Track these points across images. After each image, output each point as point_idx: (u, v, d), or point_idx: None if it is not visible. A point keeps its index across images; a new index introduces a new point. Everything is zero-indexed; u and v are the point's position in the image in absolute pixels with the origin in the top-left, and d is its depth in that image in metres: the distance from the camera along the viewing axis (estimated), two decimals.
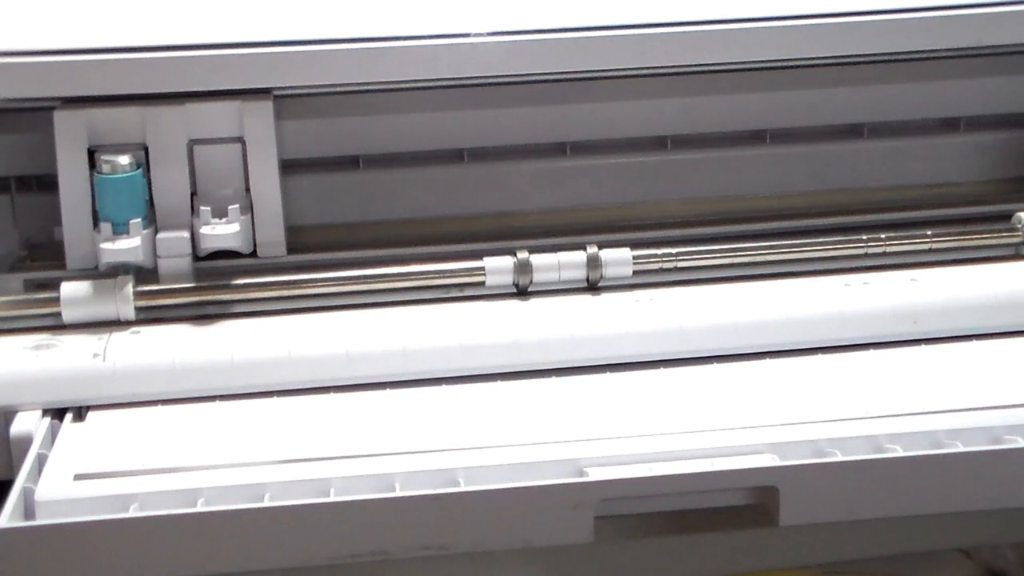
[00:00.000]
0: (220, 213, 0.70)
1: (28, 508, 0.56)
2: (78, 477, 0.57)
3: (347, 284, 0.70)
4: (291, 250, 0.73)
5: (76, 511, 0.54)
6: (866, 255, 0.74)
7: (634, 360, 0.67)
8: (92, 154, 0.70)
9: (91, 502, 0.55)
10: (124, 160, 0.69)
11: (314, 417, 0.63)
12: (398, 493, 0.56)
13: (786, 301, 0.69)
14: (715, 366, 0.67)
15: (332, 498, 0.55)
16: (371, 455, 0.59)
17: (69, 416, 0.63)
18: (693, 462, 0.57)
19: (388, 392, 0.65)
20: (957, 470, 0.57)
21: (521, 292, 0.71)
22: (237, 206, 0.71)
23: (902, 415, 0.61)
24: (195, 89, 0.70)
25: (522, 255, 0.71)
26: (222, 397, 0.65)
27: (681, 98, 0.79)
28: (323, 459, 0.58)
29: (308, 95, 0.74)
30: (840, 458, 0.57)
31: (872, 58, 0.77)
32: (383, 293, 0.71)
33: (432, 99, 0.76)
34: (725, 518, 0.59)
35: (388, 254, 0.74)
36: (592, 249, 0.71)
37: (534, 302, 0.70)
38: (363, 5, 0.76)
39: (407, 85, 0.74)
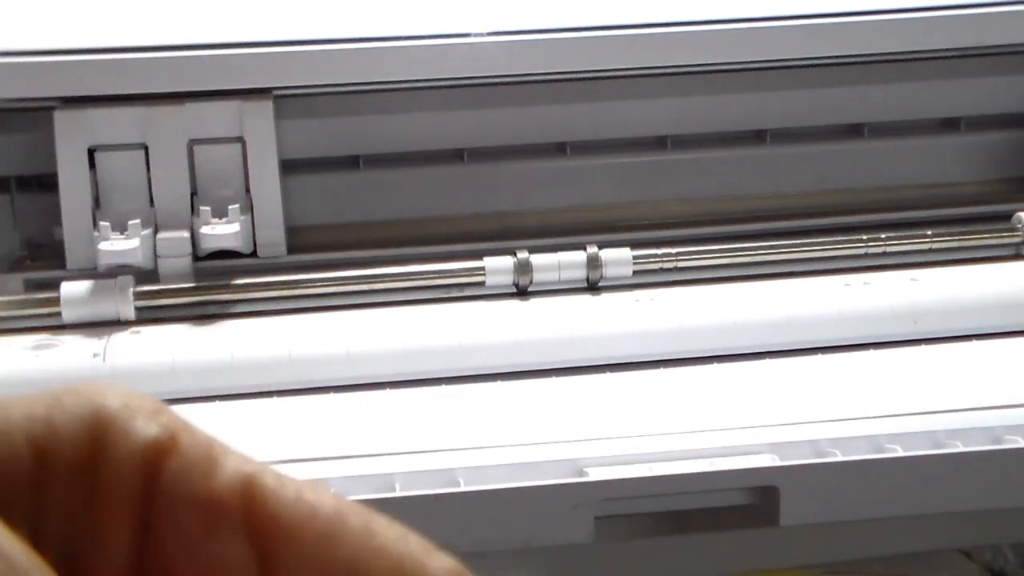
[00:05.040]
0: (220, 213, 0.71)
1: None
2: None
3: (347, 284, 0.70)
4: (291, 250, 0.73)
5: None
6: (866, 255, 0.74)
7: (634, 360, 0.67)
8: (92, 154, 0.70)
9: None
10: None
11: (314, 417, 0.63)
12: (398, 493, 0.56)
13: (786, 301, 0.69)
14: (715, 366, 0.67)
15: None
16: (371, 455, 0.59)
17: None
18: (693, 462, 0.57)
19: (388, 392, 0.65)
20: (957, 470, 0.57)
21: (521, 292, 0.71)
22: (237, 206, 0.71)
23: (902, 415, 0.61)
24: (195, 89, 0.70)
25: (522, 255, 0.71)
26: (222, 397, 0.65)
27: (681, 98, 0.79)
28: (323, 459, 0.58)
29: (308, 95, 0.74)
30: (840, 458, 0.57)
31: (872, 58, 0.77)
32: (383, 293, 0.71)
33: (432, 99, 0.76)
34: (725, 518, 0.58)
35: (388, 254, 0.74)
36: (592, 249, 0.71)
37: (534, 302, 0.70)
38: (363, 5, 0.76)
39: (407, 85, 0.74)
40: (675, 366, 0.67)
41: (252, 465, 0.21)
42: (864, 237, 0.74)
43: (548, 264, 0.71)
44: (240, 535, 0.20)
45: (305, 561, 0.20)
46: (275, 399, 0.65)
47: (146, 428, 0.20)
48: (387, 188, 0.77)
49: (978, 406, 0.62)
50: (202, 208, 0.70)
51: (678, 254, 0.72)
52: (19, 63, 0.68)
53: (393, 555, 0.21)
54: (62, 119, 0.70)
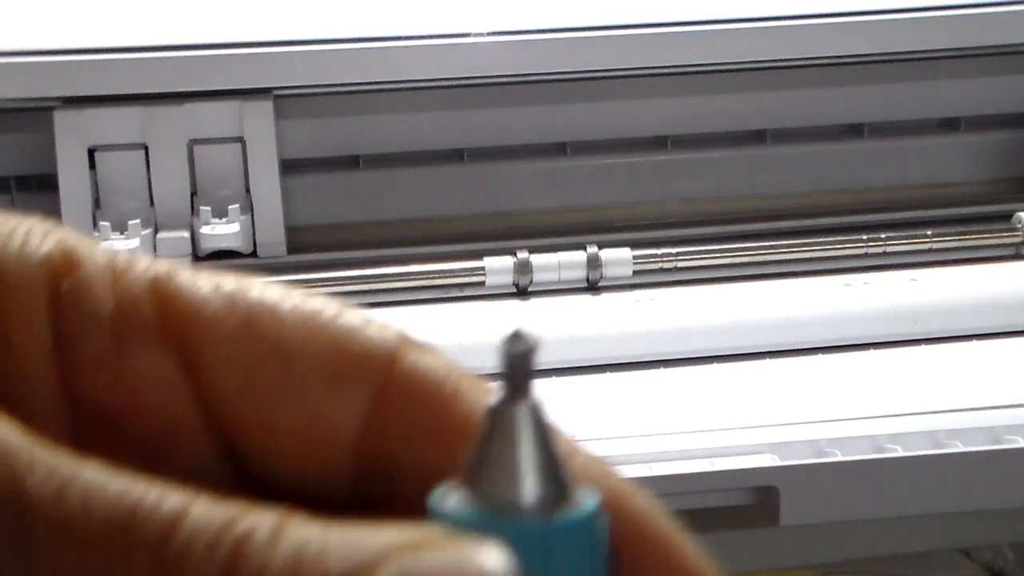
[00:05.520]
0: (220, 213, 0.71)
1: None
2: None
3: (347, 284, 0.70)
4: (291, 250, 0.73)
5: None
6: (866, 255, 0.74)
7: (634, 360, 0.67)
8: (92, 154, 0.70)
9: None
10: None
11: None
12: None
13: (786, 301, 0.69)
14: (715, 366, 0.67)
15: None
16: None
17: None
18: (693, 462, 0.57)
19: None
20: (957, 470, 0.57)
21: (521, 292, 0.71)
22: (237, 206, 0.71)
23: (902, 415, 0.61)
24: (195, 89, 0.70)
25: (522, 255, 0.71)
26: None
27: (681, 98, 0.79)
28: None
29: (308, 95, 0.74)
30: (840, 458, 0.57)
31: (872, 58, 0.77)
32: (383, 293, 0.71)
33: (432, 99, 0.76)
34: (725, 518, 0.58)
35: (388, 254, 0.74)
36: (592, 249, 0.71)
37: (534, 302, 0.70)
38: (363, 5, 0.76)
39: (407, 85, 0.74)
40: (675, 366, 0.67)
41: (164, 266, 0.19)
42: (864, 237, 0.74)
43: (548, 264, 0.71)
44: (155, 343, 0.18)
45: (228, 356, 0.18)
46: None
47: (40, 248, 0.18)
48: (387, 188, 0.77)
49: (978, 406, 0.62)
50: (202, 208, 0.70)
51: (678, 254, 0.72)
52: (19, 63, 0.68)
53: (326, 334, 0.19)
54: (62, 119, 0.70)
